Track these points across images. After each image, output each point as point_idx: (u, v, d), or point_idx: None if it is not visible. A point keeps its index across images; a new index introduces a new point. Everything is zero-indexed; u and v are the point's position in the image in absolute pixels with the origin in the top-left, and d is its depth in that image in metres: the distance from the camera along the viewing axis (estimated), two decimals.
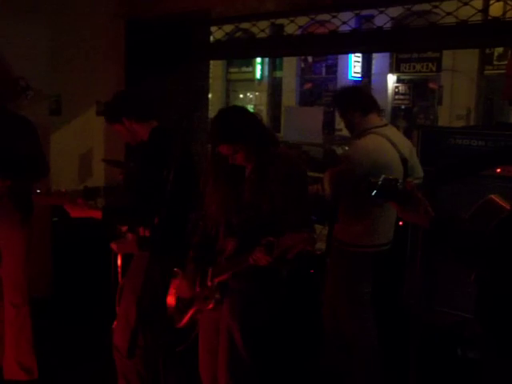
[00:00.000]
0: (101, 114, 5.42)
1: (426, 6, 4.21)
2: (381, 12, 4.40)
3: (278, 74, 22.32)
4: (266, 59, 21.51)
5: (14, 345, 3.62)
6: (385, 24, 4.33)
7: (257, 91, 22.75)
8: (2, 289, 3.62)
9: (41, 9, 4.76)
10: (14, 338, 3.62)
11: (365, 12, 5.84)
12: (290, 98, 20.95)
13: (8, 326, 3.61)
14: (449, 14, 4.06)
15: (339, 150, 10.46)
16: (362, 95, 3.52)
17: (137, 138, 3.19)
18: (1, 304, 3.65)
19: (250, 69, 22.61)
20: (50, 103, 5.05)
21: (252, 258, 2.41)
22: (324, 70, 21.28)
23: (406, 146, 3.52)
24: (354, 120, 3.46)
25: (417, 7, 4.46)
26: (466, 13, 3.96)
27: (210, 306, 2.63)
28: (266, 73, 22.44)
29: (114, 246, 3.16)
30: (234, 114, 2.68)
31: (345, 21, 4.68)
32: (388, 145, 3.36)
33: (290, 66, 21.21)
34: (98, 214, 3.01)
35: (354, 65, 19.58)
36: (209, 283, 2.63)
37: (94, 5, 5.32)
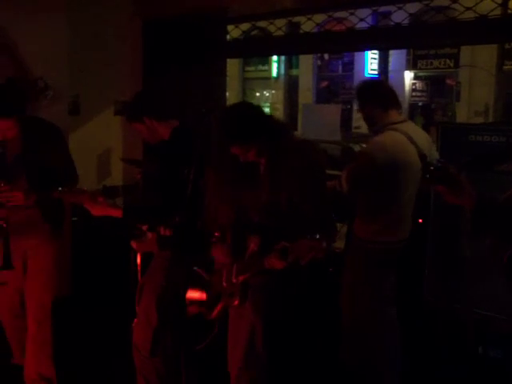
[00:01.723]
0: (119, 113, 5.47)
1: (445, 1, 4.16)
2: (399, 8, 4.37)
3: (294, 71, 22.31)
4: (283, 57, 21.50)
5: (34, 358, 3.52)
6: (403, 20, 4.30)
7: (273, 89, 22.77)
8: (24, 300, 3.50)
9: (59, 10, 4.78)
10: (36, 352, 3.52)
11: (381, 9, 5.80)
12: (306, 95, 20.94)
13: (30, 340, 3.51)
14: (468, 8, 4.03)
15: (357, 148, 10.44)
16: (383, 90, 3.50)
17: (157, 137, 3.18)
18: (21, 314, 3.56)
19: (267, 67, 22.63)
20: (68, 103, 5.08)
21: (267, 262, 2.40)
22: (340, 67, 21.25)
23: (426, 141, 3.49)
24: (374, 115, 3.44)
25: (435, 2, 4.42)
26: (485, 7, 3.92)
27: (236, 302, 2.63)
28: (283, 71, 22.44)
29: (134, 244, 3.16)
30: (240, 112, 2.60)
31: (362, 18, 4.65)
32: (406, 141, 3.33)
33: (307, 64, 21.19)
34: (118, 213, 3.02)
35: (371, 62, 19.53)
36: (233, 280, 2.62)
37: (112, 5, 5.34)
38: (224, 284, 2.67)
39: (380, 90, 3.48)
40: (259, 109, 2.68)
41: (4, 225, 3.20)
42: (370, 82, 3.68)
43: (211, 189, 2.68)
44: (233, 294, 2.64)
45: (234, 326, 2.80)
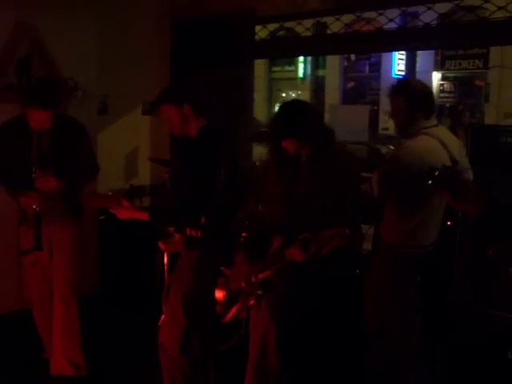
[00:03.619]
0: (147, 113, 5.51)
1: (476, 1, 4.10)
2: (429, 8, 4.32)
3: (320, 72, 22.24)
4: (309, 58, 21.44)
5: (62, 340, 3.69)
6: (432, 21, 4.25)
7: (299, 90, 22.72)
8: (52, 288, 3.71)
9: (89, 10, 4.83)
10: (63, 333, 3.69)
11: (410, 9, 5.74)
12: (333, 96, 20.85)
13: (57, 322, 3.68)
14: (500, 8, 3.96)
15: (384, 149, 10.37)
16: (429, 96, 3.42)
17: (185, 129, 3.14)
18: (50, 303, 3.73)
19: (293, 68, 22.60)
20: (97, 103, 5.14)
21: (288, 253, 2.40)
22: (367, 67, 21.12)
23: (456, 145, 3.44)
24: (413, 118, 3.34)
25: (466, 2, 4.35)
26: None
27: (252, 301, 2.63)
28: (309, 71, 22.38)
29: (161, 244, 3.19)
30: (303, 109, 2.66)
31: (391, 18, 4.61)
32: (439, 146, 3.29)
33: (333, 65, 21.11)
34: (144, 216, 3.04)
35: (398, 62, 19.38)
36: (253, 279, 2.62)
37: (141, 6, 5.38)
38: (242, 284, 2.67)
39: (427, 95, 3.40)
40: (316, 109, 2.80)
41: (38, 208, 3.44)
42: (418, 84, 3.53)
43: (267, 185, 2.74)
44: (250, 293, 2.65)
45: (252, 328, 2.80)
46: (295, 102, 2.85)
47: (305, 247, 2.29)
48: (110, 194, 3.12)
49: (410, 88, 3.41)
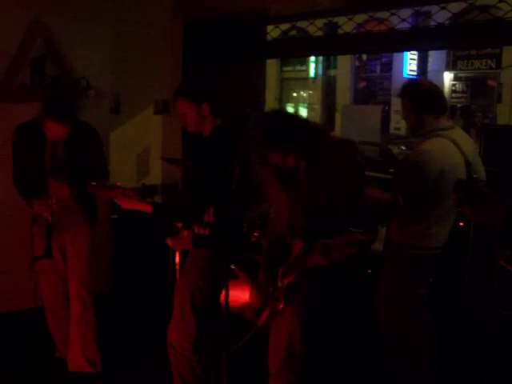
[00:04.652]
0: (159, 112, 5.53)
1: (490, 0, 4.08)
2: (442, 8, 4.31)
3: (332, 72, 22.19)
4: (320, 57, 21.40)
5: (80, 339, 3.72)
6: (445, 21, 4.23)
7: (311, 90, 22.69)
8: (67, 290, 3.74)
9: (102, 11, 4.85)
10: (81, 332, 3.72)
11: (422, 8, 5.73)
12: (344, 96, 20.80)
13: (75, 322, 3.72)
14: None
15: (395, 149, 10.34)
16: (437, 94, 3.39)
17: (200, 127, 3.14)
18: (66, 303, 3.76)
19: (304, 67, 22.56)
20: (109, 102, 5.16)
21: (311, 260, 2.40)
22: (379, 67, 21.05)
23: (471, 147, 3.41)
24: (424, 119, 3.32)
25: (480, 1, 4.34)
26: None
27: (281, 306, 2.63)
28: (320, 71, 22.34)
29: (169, 241, 3.19)
30: (274, 120, 2.60)
31: (403, 18, 4.60)
32: (453, 148, 3.25)
33: (345, 64, 21.06)
34: (148, 208, 3.03)
35: (410, 62, 19.29)
36: (279, 284, 2.62)
37: (154, 6, 5.40)
38: (270, 289, 2.67)
39: (435, 95, 3.37)
40: (289, 114, 2.70)
41: (50, 218, 3.45)
42: (426, 84, 3.51)
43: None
44: (278, 297, 2.65)
45: (276, 326, 2.79)
46: (264, 116, 2.73)
47: (325, 254, 2.29)
48: (118, 184, 3.11)
49: (416, 87, 3.40)
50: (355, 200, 2.48)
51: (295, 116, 2.69)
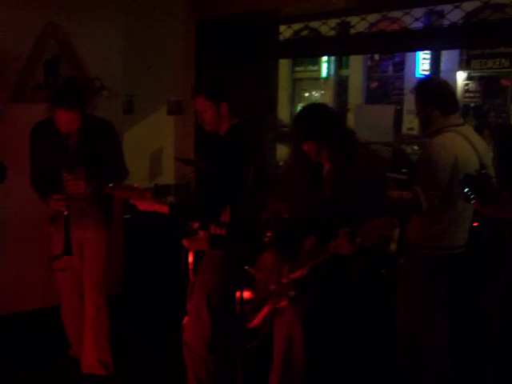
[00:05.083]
0: (172, 112, 5.55)
1: None
2: (456, 7, 4.28)
3: (344, 72, 22.11)
4: (332, 57, 21.35)
5: (94, 342, 3.72)
6: (458, 20, 4.21)
7: (323, 90, 22.62)
8: (83, 290, 3.72)
9: (115, 11, 4.87)
10: (95, 336, 3.71)
11: (435, 8, 5.70)
12: (356, 96, 20.73)
13: (88, 325, 3.71)
14: None
15: (408, 149, 10.28)
16: (446, 92, 3.39)
17: (217, 126, 3.14)
18: (82, 303, 3.74)
19: (316, 67, 22.50)
20: (122, 102, 5.17)
21: (333, 246, 2.39)
22: (391, 67, 20.94)
23: (483, 146, 3.39)
24: (433, 116, 3.33)
25: (493, 0, 4.31)
26: None
27: (284, 303, 2.63)
28: (332, 71, 22.27)
29: (185, 242, 3.19)
30: (320, 111, 2.70)
31: (416, 17, 4.58)
32: (466, 144, 3.25)
33: (357, 64, 20.98)
34: (164, 209, 3.04)
35: (422, 62, 19.17)
36: (284, 280, 2.62)
37: (167, 6, 5.42)
38: (272, 287, 2.67)
39: (443, 92, 3.37)
40: (336, 112, 2.81)
41: (66, 212, 3.41)
42: (435, 82, 3.53)
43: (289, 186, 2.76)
44: (281, 294, 2.64)
45: (277, 327, 2.80)
46: (314, 106, 2.90)
47: (351, 239, 2.30)
48: (136, 185, 3.11)
49: (426, 84, 3.45)
50: (374, 205, 2.50)
51: (339, 115, 2.76)
